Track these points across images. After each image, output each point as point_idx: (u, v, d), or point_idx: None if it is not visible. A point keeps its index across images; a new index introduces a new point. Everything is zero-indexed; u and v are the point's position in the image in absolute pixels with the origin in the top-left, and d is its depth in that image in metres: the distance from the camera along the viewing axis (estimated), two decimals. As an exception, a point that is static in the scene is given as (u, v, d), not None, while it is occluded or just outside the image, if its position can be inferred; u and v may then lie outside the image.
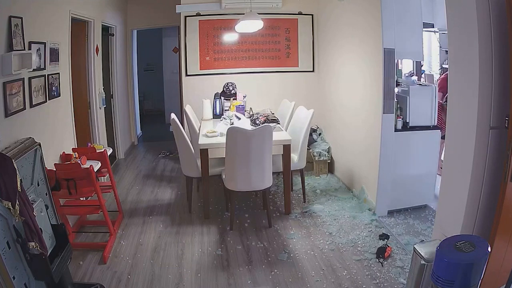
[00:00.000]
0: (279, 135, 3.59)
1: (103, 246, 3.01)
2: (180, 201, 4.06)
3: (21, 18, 2.54)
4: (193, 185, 4.00)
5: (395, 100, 3.40)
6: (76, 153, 3.23)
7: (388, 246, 2.92)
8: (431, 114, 3.54)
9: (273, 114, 4.31)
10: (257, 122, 3.85)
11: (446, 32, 2.27)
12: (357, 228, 3.31)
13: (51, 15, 3.17)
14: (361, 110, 3.89)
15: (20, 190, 1.94)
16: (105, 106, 4.85)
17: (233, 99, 4.67)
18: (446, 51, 5.16)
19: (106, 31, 5.16)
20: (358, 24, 3.85)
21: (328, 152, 4.71)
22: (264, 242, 3.14)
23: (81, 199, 3.23)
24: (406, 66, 5.03)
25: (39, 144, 2.57)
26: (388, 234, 3.14)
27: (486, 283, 1.72)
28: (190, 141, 3.63)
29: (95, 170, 3.06)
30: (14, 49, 2.45)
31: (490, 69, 1.93)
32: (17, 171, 1.97)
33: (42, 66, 2.93)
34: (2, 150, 2.18)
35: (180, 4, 4.96)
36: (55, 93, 3.21)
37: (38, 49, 2.84)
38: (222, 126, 3.91)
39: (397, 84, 3.65)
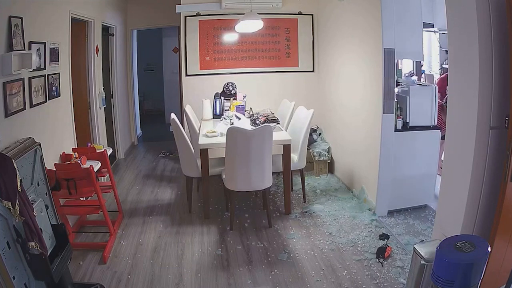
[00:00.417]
0: (279, 135, 3.59)
1: (103, 246, 3.01)
2: (180, 201, 4.06)
3: (21, 18, 2.54)
4: (193, 185, 4.00)
5: (395, 100, 3.40)
6: (76, 153, 3.23)
7: (388, 246, 2.92)
8: (431, 114, 3.54)
9: (273, 114, 4.31)
10: (257, 122, 3.85)
11: (446, 32, 2.27)
12: (357, 228, 3.31)
13: (51, 15, 3.17)
14: (361, 110, 3.89)
15: (20, 190, 1.94)
16: (105, 106, 4.85)
17: (233, 99, 4.67)
18: (446, 51, 5.16)
19: (106, 31, 5.16)
20: (358, 24, 3.85)
21: (328, 152, 4.71)
22: (264, 242, 3.14)
23: (81, 199, 3.23)
24: (406, 66, 5.03)
25: (39, 144, 2.57)
26: (388, 234, 3.14)
27: (486, 283, 1.72)
28: (190, 141, 3.63)
29: (95, 170, 3.06)
30: (14, 49, 2.45)
31: (490, 69, 1.93)
32: (17, 171, 1.97)
33: (42, 66, 2.93)
34: (2, 150, 2.18)
35: (180, 4, 4.96)
36: (55, 93, 3.21)
37: (38, 49, 2.84)
38: (222, 126, 3.91)
39: (397, 84, 3.65)
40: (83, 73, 4.34)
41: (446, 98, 4.09)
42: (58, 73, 3.27)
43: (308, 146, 4.47)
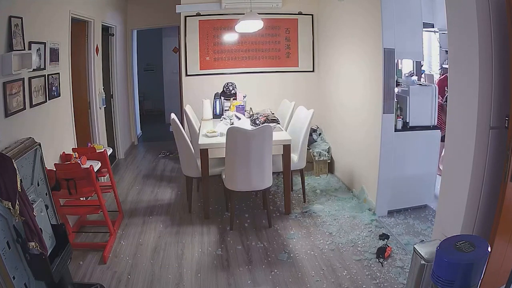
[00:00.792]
0: (279, 135, 3.59)
1: (103, 246, 3.01)
2: (180, 201, 4.06)
3: (21, 18, 2.54)
4: (193, 185, 4.00)
5: (395, 100, 3.40)
6: (76, 153, 3.23)
7: (388, 246, 2.92)
8: (431, 114, 3.54)
9: (273, 114, 4.31)
10: (257, 122, 3.85)
11: (446, 32, 2.27)
12: (357, 228, 3.31)
13: (51, 15, 3.17)
14: (361, 110, 3.89)
15: (20, 190, 1.94)
16: (105, 106, 4.85)
17: (233, 99, 4.67)
18: (446, 51, 5.16)
19: (106, 31, 5.16)
20: (358, 24, 3.85)
21: (328, 152, 4.71)
22: (264, 242, 3.14)
23: (81, 199, 3.22)
24: (406, 66, 5.03)
25: (39, 144, 2.57)
26: (388, 234, 3.14)
27: (486, 283, 1.72)
28: (190, 141, 3.63)
29: (95, 170, 3.06)
30: (14, 49, 2.45)
31: (490, 69, 1.93)
32: (17, 171, 1.97)
33: (42, 66, 2.93)
34: (2, 150, 2.18)
35: (180, 4, 4.96)
36: (55, 93, 3.21)
37: (38, 49, 2.84)
38: (222, 126, 3.91)
39: (397, 84, 3.65)
40: (83, 73, 4.34)
41: (446, 97, 4.10)
42: (58, 73, 3.27)
43: (308, 146, 4.47)
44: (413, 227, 3.29)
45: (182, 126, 3.59)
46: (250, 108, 4.67)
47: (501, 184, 1.92)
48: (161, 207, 3.91)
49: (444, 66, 5.51)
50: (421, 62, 5.31)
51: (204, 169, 3.47)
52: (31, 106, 2.72)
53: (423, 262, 1.63)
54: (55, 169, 2.81)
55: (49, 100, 3.04)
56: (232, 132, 3.17)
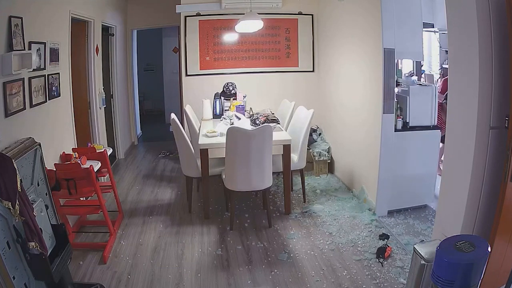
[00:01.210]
0: (279, 135, 3.59)
1: (103, 246, 3.01)
2: (180, 201, 4.06)
3: (21, 18, 2.54)
4: (193, 185, 4.00)
5: (395, 100, 3.40)
6: (76, 153, 3.23)
7: (388, 246, 2.92)
8: (431, 114, 3.54)
9: (273, 114, 4.31)
10: (257, 122, 3.85)
11: (446, 32, 2.27)
12: (357, 228, 3.31)
13: (51, 15, 3.17)
14: (361, 110, 3.89)
15: (20, 190, 1.94)
16: (105, 106, 4.85)
17: (233, 99, 4.67)
18: (446, 51, 5.16)
19: (106, 31, 5.16)
20: (358, 24, 3.85)
21: (328, 152, 4.71)
22: (264, 242, 3.14)
23: (81, 199, 3.22)
24: (406, 66, 5.04)
25: (39, 144, 2.57)
26: (388, 234, 3.14)
27: (486, 283, 1.72)
28: (190, 141, 3.63)
29: (95, 170, 3.06)
30: (14, 49, 2.45)
31: (490, 69, 1.93)
32: (17, 171, 1.97)
33: (42, 66, 2.93)
34: (2, 150, 2.18)
35: (180, 4, 4.96)
36: (55, 93, 3.21)
37: (38, 49, 2.84)
38: (222, 126, 3.91)
39: (397, 84, 3.65)
40: (83, 73, 4.34)
41: (445, 96, 4.10)
42: (58, 73, 3.27)
43: (308, 146, 4.47)
44: (413, 227, 3.29)
45: (182, 126, 3.59)
46: (250, 108, 4.67)
47: (501, 184, 1.92)
48: (161, 207, 3.91)
49: (444, 66, 5.52)
50: (421, 62, 5.33)
51: (204, 169, 3.47)
52: (31, 106, 2.72)
53: (423, 262, 1.63)
54: (55, 169, 2.81)
55: (49, 100, 3.04)
56: (232, 132, 3.17)
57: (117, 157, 5.62)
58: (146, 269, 2.78)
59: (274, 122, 3.86)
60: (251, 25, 4.13)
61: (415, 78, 4.31)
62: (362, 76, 3.84)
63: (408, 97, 3.49)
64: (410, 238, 3.09)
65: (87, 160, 3.18)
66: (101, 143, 4.42)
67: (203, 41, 5.05)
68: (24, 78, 2.61)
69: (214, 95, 4.71)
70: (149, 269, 2.78)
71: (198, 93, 5.01)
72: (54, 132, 3.16)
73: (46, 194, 2.61)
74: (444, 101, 4.04)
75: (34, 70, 2.74)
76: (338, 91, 4.57)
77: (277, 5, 4.93)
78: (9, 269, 1.87)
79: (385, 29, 3.25)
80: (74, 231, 3.24)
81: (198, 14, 4.99)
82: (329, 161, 4.72)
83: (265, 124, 3.52)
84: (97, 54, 4.54)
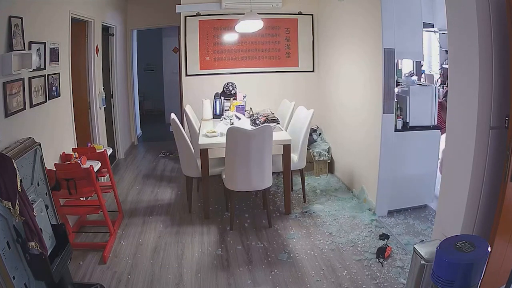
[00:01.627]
0: (279, 135, 3.59)
1: (103, 246, 3.01)
2: (180, 201, 4.06)
3: (21, 18, 2.54)
4: (193, 185, 4.00)
5: (395, 100, 3.40)
6: (76, 153, 3.22)
7: (388, 246, 2.92)
8: (431, 114, 3.54)
9: (273, 114, 4.31)
10: (257, 122, 3.85)
11: (446, 32, 2.27)
12: (357, 228, 3.31)
13: (51, 15, 3.17)
14: (361, 110, 3.89)
15: (20, 190, 1.94)
16: (105, 106, 4.85)
17: (233, 99, 4.67)
18: (446, 51, 5.16)
19: (106, 31, 5.16)
20: (358, 24, 3.85)
21: (328, 152, 4.71)
22: (264, 242, 3.14)
23: (81, 199, 3.23)
24: (406, 66, 5.04)
25: (39, 144, 2.57)
26: (388, 234, 3.14)
27: (486, 283, 1.72)
28: (190, 141, 3.63)
29: (95, 170, 3.06)
30: (14, 49, 2.45)
31: (490, 69, 1.93)
32: (17, 171, 1.97)
33: (42, 66, 2.93)
34: (2, 150, 2.18)
35: (180, 4, 4.96)
36: (55, 93, 3.21)
37: (38, 49, 2.84)
38: (222, 126, 3.91)
39: (397, 84, 3.65)
40: (83, 73, 4.34)
41: (444, 94, 4.10)
42: (58, 73, 3.27)
43: (308, 146, 4.47)
44: (413, 227, 3.29)
45: (182, 126, 3.59)
46: (250, 108, 4.67)
47: (501, 184, 1.92)
48: (161, 207, 3.91)
49: (444, 66, 5.52)
50: (421, 62, 5.32)
51: (204, 169, 3.47)
52: (31, 106, 2.72)
53: (423, 262, 1.63)
54: (55, 169, 2.81)
55: (49, 100, 3.04)
56: (232, 132, 3.17)
57: (117, 157, 5.62)
58: (146, 269, 2.78)
59: (274, 122, 3.86)
60: (251, 25, 4.13)
61: (415, 78, 4.31)
62: (362, 76, 3.84)
63: (408, 97, 3.49)
64: (410, 238, 3.09)
65: (87, 160, 3.18)
66: (101, 143, 4.42)
67: (203, 41, 5.05)
68: (24, 78, 2.61)
69: (214, 95, 4.71)
70: (149, 269, 2.78)
71: (198, 93, 5.01)
72: (54, 132, 3.16)
73: (46, 194, 2.61)
74: (443, 99, 4.04)
75: (34, 70, 2.74)
76: (338, 91, 4.57)
77: (277, 5, 4.93)
78: (9, 269, 1.87)
79: (385, 29, 3.25)
80: (74, 231, 3.24)
81: (198, 14, 4.99)
82: (329, 161, 4.72)
83: (265, 124, 3.52)
84: (97, 54, 4.54)
